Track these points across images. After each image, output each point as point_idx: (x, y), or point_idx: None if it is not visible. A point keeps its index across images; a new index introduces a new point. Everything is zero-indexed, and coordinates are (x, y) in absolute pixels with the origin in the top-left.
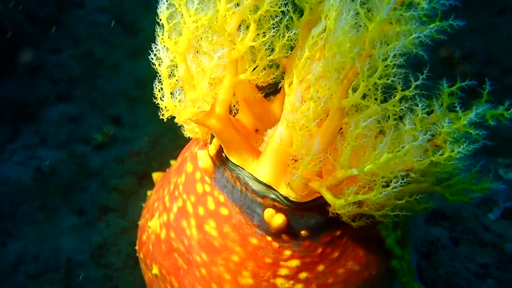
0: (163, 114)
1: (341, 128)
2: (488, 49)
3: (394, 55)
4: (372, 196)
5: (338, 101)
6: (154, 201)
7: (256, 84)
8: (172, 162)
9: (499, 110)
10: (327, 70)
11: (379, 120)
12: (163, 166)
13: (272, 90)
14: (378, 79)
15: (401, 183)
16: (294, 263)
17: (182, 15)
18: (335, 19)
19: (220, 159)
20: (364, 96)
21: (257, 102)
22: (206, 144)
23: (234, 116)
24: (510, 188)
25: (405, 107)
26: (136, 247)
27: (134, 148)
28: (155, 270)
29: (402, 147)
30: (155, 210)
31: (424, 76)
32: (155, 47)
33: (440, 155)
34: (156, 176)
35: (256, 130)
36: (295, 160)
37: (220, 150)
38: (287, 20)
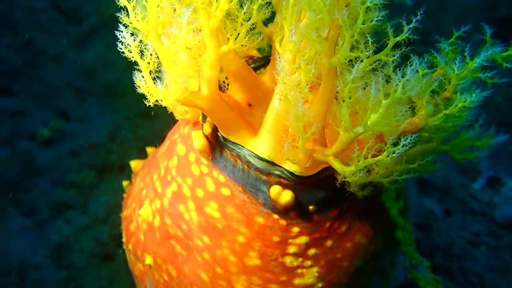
0: (148, 101)
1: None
2: None
3: None
4: (384, 157)
5: (327, 60)
6: (140, 189)
7: (245, 58)
8: (149, 149)
9: (510, 51)
10: (306, 31)
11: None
12: (124, 158)
13: (262, 63)
14: (362, 24)
15: (410, 139)
16: (303, 239)
17: None
18: None
19: (216, 139)
20: (352, 49)
21: (247, 76)
22: (197, 124)
23: (224, 92)
24: (491, 156)
25: (399, 54)
26: (123, 239)
27: (91, 140)
28: (148, 260)
29: (396, 85)
30: (143, 198)
31: (418, 17)
32: (120, 34)
33: (454, 106)
34: (135, 164)
35: (250, 105)
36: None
37: (215, 129)
38: None
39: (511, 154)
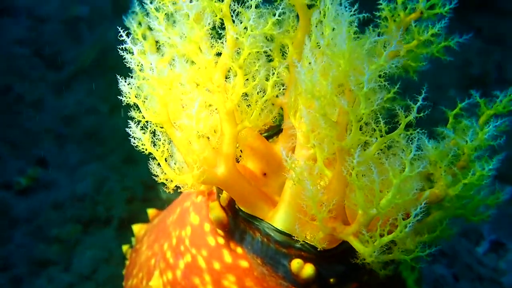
0: (167, 188)
1: None
2: None
3: (368, 81)
4: (398, 233)
5: (338, 143)
6: (148, 258)
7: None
8: (150, 211)
9: None
10: (315, 117)
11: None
12: (110, 210)
13: (274, 131)
14: (364, 109)
15: (420, 209)
16: None
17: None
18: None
19: (234, 211)
20: (363, 129)
21: (261, 146)
22: (212, 193)
23: (238, 162)
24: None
25: (414, 133)
26: None
27: (76, 191)
28: None
29: (403, 168)
30: (152, 268)
31: (423, 96)
32: (131, 130)
33: (472, 175)
34: (138, 228)
35: (264, 174)
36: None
37: (232, 201)
38: (271, 58)
39: (510, 217)
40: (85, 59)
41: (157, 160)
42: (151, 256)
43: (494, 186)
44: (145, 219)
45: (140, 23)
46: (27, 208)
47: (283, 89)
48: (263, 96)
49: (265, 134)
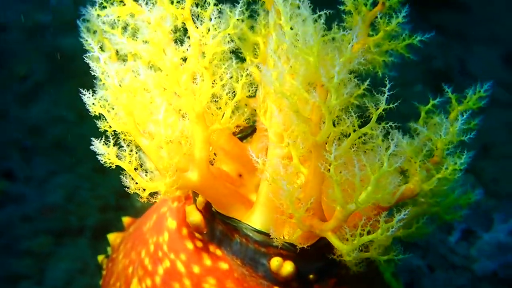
0: (141, 197)
1: None
2: None
3: (338, 73)
4: (378, 235)
5: (312, 138)
6: (125, 266)
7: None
8: (125, 219)
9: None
10: (288, 114)
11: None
12: (83, 219)
13: (248, 132)
14: (335, 99)
15: (404, 214)
16: None
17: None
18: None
19: (211, 213)
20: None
21: (235, 147)
22: (188, 198)
23: (212, 165)
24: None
25: (386, 127)
26: None
27: (46, 202)
28: None
29: (380, 161)
30: (130, 276)
31: (388, 86)
32: (94, 146)
33: (445, 170)
34: (113, 237)
35: (240, 175)
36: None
37: (209, 204)
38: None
39: (478, 205)
40: (48, 68)
41: (128, 174)
42: (129, 264)
43: (466, 186)
44: (120, 228)
45: (95, 32)
46: None
47: (254, 89)
48: (233, 98)
49: (239, 135)
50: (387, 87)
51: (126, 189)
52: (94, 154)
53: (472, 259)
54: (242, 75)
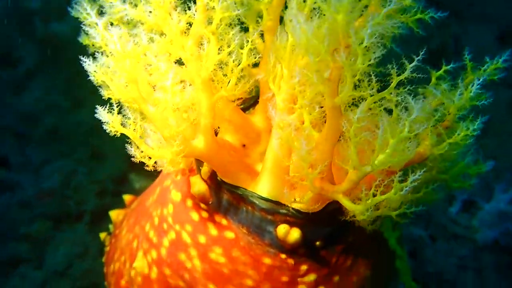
0: (147, 166)
1: None
2: None
3: (369, 36)
4: (392, 194)
5: (330, 101)
6: (129, 241)
7: (233, 101)
8: (126, 197)
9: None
10: (307, 74)
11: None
12: (81, 204)
13: (250, 103)
14: (362, 64)
15: (419, 175)
16: (312, 277)
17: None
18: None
19: (216, 182)
20: (356, 88)
21: (238, 118)
22: (192, 170)
23: (216, 136)
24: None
25: (404, 92)
26: None
27: (44, 188)
28: None
29: (402, 126)
30: (135, 250)
31: (420, 58)
32: (98, 114)
33: (457, 135)
34: (115, 214)
35: (244, 145)
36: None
37: (214, 173)
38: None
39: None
40: (40, 55)
41: (134, 142)
42: (133, 238)
43: (478, 156)
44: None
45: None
46: None
47: (259, 57)
48: (238, 65)
49: (241, 107)
50: (419, 57)
51: (132, 158)
52: (89, 141)
53: (473, 229)
54: (247, 41)
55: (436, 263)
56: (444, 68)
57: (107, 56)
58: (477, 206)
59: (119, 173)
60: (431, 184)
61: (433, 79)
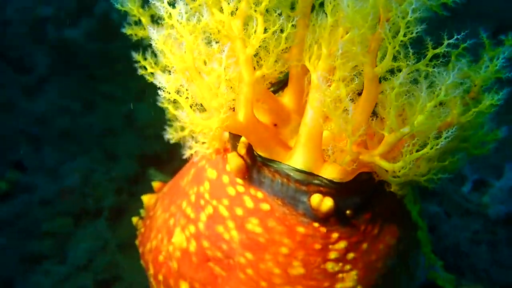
0: (193, 132)
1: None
2: None
3: (413, 10)
4: (428, 149)
5: (370, 70)
6: (165, 219)
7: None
8: (155, 184)
9: None
10: (349, 46)
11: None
12: (100, 201)
13: (279, 87)
14: (403, 36)
15: (452, 132)
16: (342, 244)
17: (178, 32)
18: None
19: (253, 157)
20: (395, 59)
21: (270, 99)
22: (227, 150)
23: None
24: (473, 161)
25: (437, 65)
26: (150, 271)
27: (65, 186)
28: (183, 287)
29: (440, 89)
30: (172, 227)
31: (463, 35)
32: (155, 79)
33: (483, 104)
34: (147, 198)
35: (275, 125)
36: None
37: (249, 149)
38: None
39: (487, 157)
40: (52, 60)
41: (183, 109)
42: (169, 217)
43: (492, 124)
44: (137, 208)
45: None
46: (11, 211)
47: (291, 41)
48: (278, 46)
49: (271, 89)
50: (461, 35)
51: (182, 122)
52: (101, 143)
53: (485, 206)
54: (287, 25)
55: (453, 237)
56: (462, 46)
57: (169, 28)
58: (488, 184)
59: (132, 172)
60: (455, 152)
61: (453, 57)
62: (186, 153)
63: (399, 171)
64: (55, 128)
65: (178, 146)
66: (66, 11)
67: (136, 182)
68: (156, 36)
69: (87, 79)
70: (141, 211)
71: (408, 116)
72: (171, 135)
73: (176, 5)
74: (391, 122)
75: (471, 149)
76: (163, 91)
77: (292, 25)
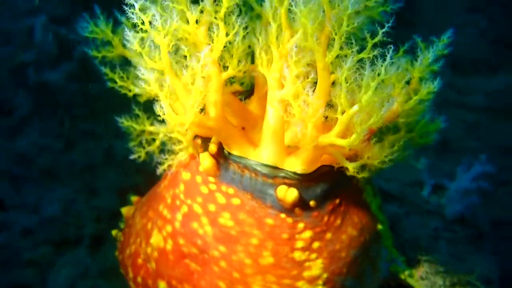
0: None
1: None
2: None
3: (352, 4)
4: (375, 119)
5: (322, 59)
6: (144, 224)
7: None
8: (133, 198)
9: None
10: (303, 40)
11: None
12: (80, 229)
13: (245, 95)
14: (347, 27)
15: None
16: (308, 234)
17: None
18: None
19: (223, 156)
20: (341, 49)
21: (237, 104)
22: (194, 158)
23: None
24: (430, 168)
25: (377, 52)
26: (130, 275)
27: (45, 215)
28: (162, 286)
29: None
30: (150, 230)
31: (389, 24)
32: (140, 72)
33: (422, 92)
34: (126, 210)
35: (243, 128)
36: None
37: (220, 148)
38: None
39: (442, 162)
40: (33, 101)
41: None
42: (147, 221)
43: (433, 115)
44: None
45: None
46: None
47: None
48: (239, 48)
49: (239, 97)
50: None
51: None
52: (82, 179)
53: (442, 206)
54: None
55: (412, 233)
56: (403, 47)
57: (143, 32)
58: (445, 187)
59: (113, 206)
60: (398, 142)
61: (401, 53)
62: (160, 168)
63: (354, 142)
64: (36, 166)
65: (158, 178)
66: (46, 56)
67: (117, 214)
68: (132, 39)
69: (68, 117)
70: (120, 224)
71: (357, 98)
72: (137, 153)
73: (147, 11)
74: (343, 104)
75: (417, 138)
76: (145, 84)
77: (245, 27)
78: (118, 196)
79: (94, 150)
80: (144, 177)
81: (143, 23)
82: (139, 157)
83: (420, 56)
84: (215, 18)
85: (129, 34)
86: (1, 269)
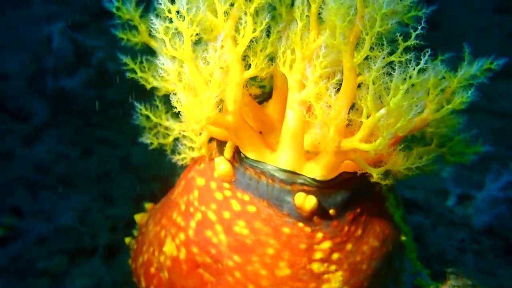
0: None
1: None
2: None
3: (387, 3)
4: (403, 122)
5: (349, 59)
6: (157, 232)
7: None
8: (147, 204)
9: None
10: (331, 39)
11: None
12: (95, 239)
13: (263, 98)
14: (380, 27)
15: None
16: (327, 244)
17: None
18: None
19: (239, 160)
20: (371, 50)
21: (255, 108)
22: (211, 160)
23: None
24: (455, 177)
25: (409, 56)
26: (142, 285)
27: (60, 224)
28: None
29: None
30: (163, 238)
31: (422, 25)
32: (159, 62)
33: (455, 101)
34: (140, 217)
35: (260, 132)
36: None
37: (236, 153)
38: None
39: (469, 171)
40: (50, 108)
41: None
42: (160, 229)
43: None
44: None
45: None
46: (7, 256)
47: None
48: (265, 49)
49: (257, 100)
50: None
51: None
52: (98, 187)
53: (469, 217)
54: (273, 32)
55: (439, 245)
56: (442, 56)
57: (170, 21)
58: (471, 197)
59: (129, 214)
60: (427, 155)
61: (438, 59)
62: (175, 158)
63: (380, 147)
64: (53, 174)
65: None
66: (63, 62)
67: (132, 222)
68: (158, 25)
69: (84, 125)
70: (134, 231)
71: (385, 101)
72: (151, 140)
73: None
74: (369, 106)
75: (448, 155)
76: (165, 74)
77: (278, 31)
78: (134, 204)
79: (110, 158)
80: (161, 185)
81: (169, 11)
82: (151, 143)
83: (464, 67)
84: (245, 13)
85: (155, 21)
86: (16, 278)
